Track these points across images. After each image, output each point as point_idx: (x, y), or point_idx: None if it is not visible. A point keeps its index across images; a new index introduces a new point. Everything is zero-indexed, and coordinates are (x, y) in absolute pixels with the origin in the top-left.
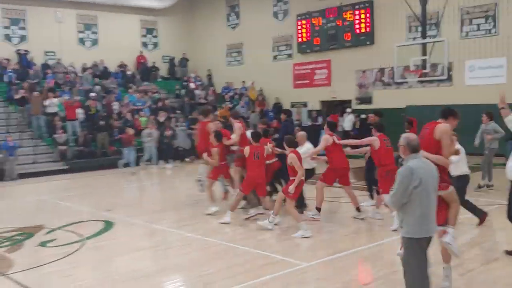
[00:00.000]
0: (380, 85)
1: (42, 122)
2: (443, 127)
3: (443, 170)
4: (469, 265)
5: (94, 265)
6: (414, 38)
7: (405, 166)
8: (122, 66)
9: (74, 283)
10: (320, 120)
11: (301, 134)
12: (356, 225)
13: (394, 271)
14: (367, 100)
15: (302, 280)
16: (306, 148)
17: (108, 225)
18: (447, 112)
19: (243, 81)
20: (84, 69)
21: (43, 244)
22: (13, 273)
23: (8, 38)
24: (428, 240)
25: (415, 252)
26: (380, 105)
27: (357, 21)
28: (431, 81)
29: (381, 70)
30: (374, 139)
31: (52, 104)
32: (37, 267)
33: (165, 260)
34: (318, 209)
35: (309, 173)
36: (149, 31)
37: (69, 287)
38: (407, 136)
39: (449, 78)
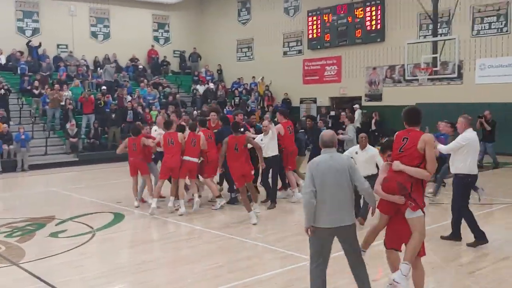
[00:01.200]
0: (390, 82)
1: (57, 115)
2: (427, 137)
3: (417, 188)
4: (478, 264)
5: (103, 256)
6: (425, 36)
7: (313, 159)
8: (134, 60)
9: (84, 273)
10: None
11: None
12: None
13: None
14: (377, 97)
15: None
16: None
17: (118, 217)
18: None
19: (253, 77)
20: (96, 62)
21: (54, 234)
22: (24, 262)
23: (21, 30)
24: (330, 232)
25: (313, 239)
26: (389, 102)
27: (368, 18)
28: (441, 79)
29: (392, 67)
30: (280, 127)
31: (65, 97)
32: (47, 257)
33: (174, 252)
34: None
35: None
36: (161, 25)
37: (79, 278)
38: (322, 134)
39: (460, 76)
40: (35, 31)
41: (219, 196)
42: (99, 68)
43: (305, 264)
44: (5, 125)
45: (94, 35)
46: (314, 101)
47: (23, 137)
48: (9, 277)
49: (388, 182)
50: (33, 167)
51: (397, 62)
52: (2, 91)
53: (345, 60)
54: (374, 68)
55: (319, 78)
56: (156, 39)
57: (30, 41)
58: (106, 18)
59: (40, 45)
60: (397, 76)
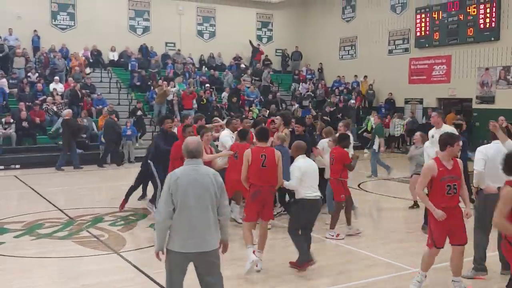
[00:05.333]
0: (504, 84)
1: (163, 110)
2: None
3: None
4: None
5: None
6: None
7: (173, 171)
8: (237, 58)
9: None
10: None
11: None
12: None
13: None
14: (489, 99)
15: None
16: None
17: None
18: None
19: (355, 75)
20: (202, 61)
21: (153, 226)
22: (125, 251)
23: (133, 29)
24: (185, 257)
25: (169, 263)
26: (503, 105)
27: (481, 16)
28: None
29: (506, 68)
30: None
31: (171, 92)
32: (146, 247)
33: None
34: None
35: None
36: (264, 24)
37: None
38: (187, 141)
39: None
40: (146, 29)
41: None
42: (204, 67)
43: (407, 273)
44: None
45: (200, 33)
46: (420, 101)
47: (129, 132)
48: (111, 264)
49: None
50: (139, 159)
51: None
52: (140, 112)
53: (455, 60)
54: (487, 69)
55: (427, 77)
56: (260, 37)
57: (143, 44)
58: (212, 17)
59: (148, 48)
60: None
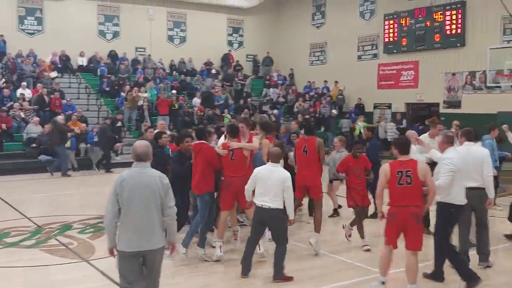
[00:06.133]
0: (470, 89)
1: (134, 116)
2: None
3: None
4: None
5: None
6: (509, 41)
7: (121, 173)
8: (208, 64)
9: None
10: (404, 122)
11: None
12: None
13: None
14: (456, 104)
15: None
16: None
17: None
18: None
19: (325, 81)
20: (172, 66)
21: None
22: (95, 259)
23: (102, 34)
24: (133, 255)
25: (119, 263)
26: (469, 109)
27: (447, 22)
28: None
29: (472, 74)
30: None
31: (142, 98)
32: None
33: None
34: None
35: None
36: (235, 30)
37: None
38: (135, 145)
39: None
40: (115, 34)
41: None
42: (174, 72)
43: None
44: (83, 124)
45: (170, 39)
46: (389, 106)
47: (96, 139)
48: (79, 273)
49: None
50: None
51: (478, 68)
52: (119, 124)
53: (423, 65)
54: (454, 74)
55: (395, 83)
56: (230, 43)
57: (112, 50)
58: (183, 22)
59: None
60: (478, 83)
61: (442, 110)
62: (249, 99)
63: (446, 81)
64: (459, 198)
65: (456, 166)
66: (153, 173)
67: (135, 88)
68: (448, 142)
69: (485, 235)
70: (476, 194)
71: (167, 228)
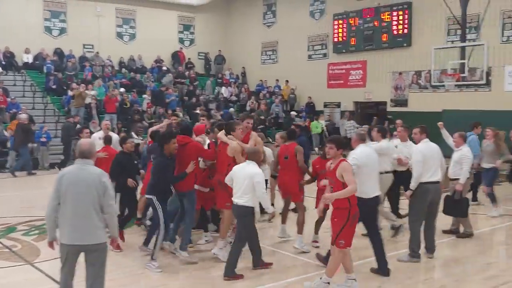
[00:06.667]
0: (416, 88)
1: (81, 114)
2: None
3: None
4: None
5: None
6: (453, 41)
7: (62, 170)
8: (158, 61)
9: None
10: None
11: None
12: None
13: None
14: (403, 102)
15: None
16: None
17: None
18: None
19: (277, 80)
20: (121, 63)
21: None
22: (39, 262)
23: (48, 30)
24: (71, 248)
25: (60, 254)
26: (415, 107)
27: (394, 22)
28: (468, 86)
29: (418, 73)
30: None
31: (89, 96)
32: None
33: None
34: None
35: None
36: (186, 27)
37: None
38: (80, 142)
39: (488, 83)
40: (62, 31)
41: None
42: (123, 69)
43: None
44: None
45: (119, 36)
46: (338, 105)
47: (44, 138)
48: (22, 276)
49: None
50: (54, 165)
51: (424, 68)
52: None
53: (371, 65)
54: (400, 73)
55: (344, 82)
56: (181, 40)
57: (57, 48)
58: (132, 19)
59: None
60: (424, 82)
61: (389, 108)
62: (201, 97)
63: (393, 80)
64: (366, 191)
65: (360, 161)
66: (93, 171)
67: (82, 85)
68: (360, 139)
69: (434, 229)
70: (435, 188)
71: (108, 224)
